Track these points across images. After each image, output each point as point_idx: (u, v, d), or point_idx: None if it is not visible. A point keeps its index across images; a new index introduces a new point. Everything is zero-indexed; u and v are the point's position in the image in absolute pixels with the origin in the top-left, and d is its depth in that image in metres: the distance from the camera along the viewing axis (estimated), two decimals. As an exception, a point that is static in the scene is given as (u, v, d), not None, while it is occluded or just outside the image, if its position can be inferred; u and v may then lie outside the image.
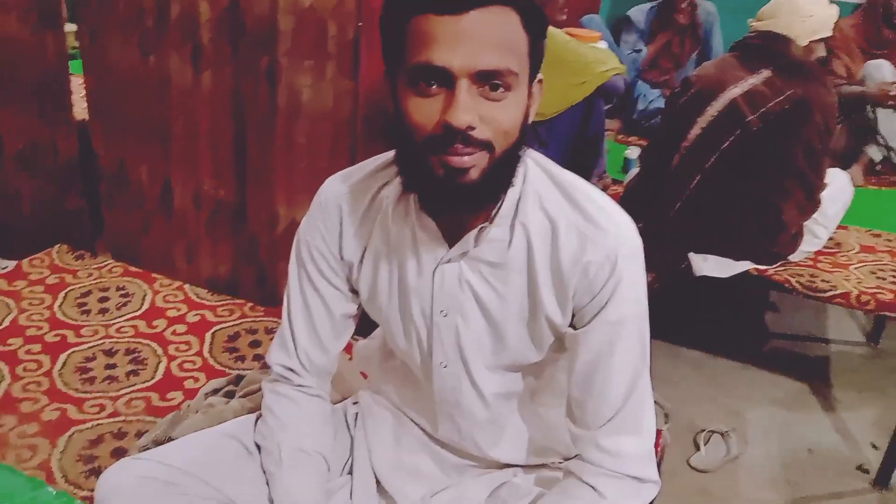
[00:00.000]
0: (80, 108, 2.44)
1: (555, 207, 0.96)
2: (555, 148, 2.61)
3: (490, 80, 0.82)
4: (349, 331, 1.15)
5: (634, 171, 2.86)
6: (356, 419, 1.22)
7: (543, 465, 1.16)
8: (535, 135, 2.58)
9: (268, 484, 1.07)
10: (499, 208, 0.94)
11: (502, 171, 0.88)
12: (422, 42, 0.82)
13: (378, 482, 1.16)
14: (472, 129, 0.82)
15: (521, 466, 1.16)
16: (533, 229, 0.96)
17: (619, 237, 0.95)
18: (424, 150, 0.84)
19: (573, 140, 2.67)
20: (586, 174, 2.78)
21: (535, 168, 0.99)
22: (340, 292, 1.10)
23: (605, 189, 2.88)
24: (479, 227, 0.95)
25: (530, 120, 0.91)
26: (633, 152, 3.24)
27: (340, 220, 1.06)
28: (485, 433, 1.11)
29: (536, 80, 0.91)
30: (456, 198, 0.87)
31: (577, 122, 2.64)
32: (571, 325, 0.99)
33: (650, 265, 2.18)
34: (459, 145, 0.82)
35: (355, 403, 1.26)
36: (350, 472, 1.18)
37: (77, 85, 2.51)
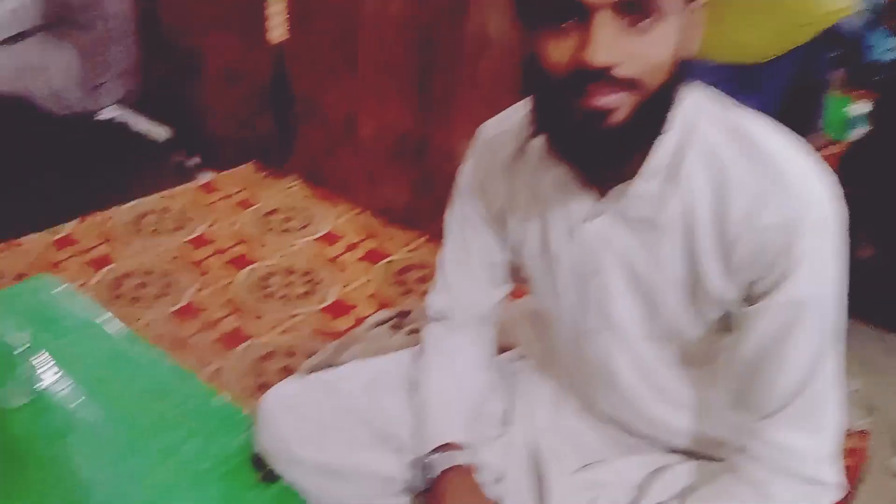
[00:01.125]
0: (276, 32, 2.51)
1: (727, 160, 0.80)
2: (768, 95, 2.34)
3: (633, 10, 0.70)
4: (507, 281, 1.09)
5: (858, 130, 2.54)
6: (517, 374, 1.16)
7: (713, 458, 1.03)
8: (747, 80, 2.34)
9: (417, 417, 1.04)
10: (650, 159, 0.81)
11: (653, 113, 0.76)
12: None
13: (532, 441, 1.09)
14: (612, 67, 0.71)
15: (692, 454, 1.03)
16: (696, 185, 0.81)
17: (809, 200, 0.77)
18: (560, 93, 0.75)
19: (790, 89, 2.40)
20: (804, 129, 2.49)
21: (708, 110, 0.83)
22: (496, 238, 1.04)
23: (819, 149, 2.57)
24: (628, 181, 0.83)
25: (693, 52, 0.77)
26: (858, 108, 2.88)
27: (492, 168, 0.99)
28: (646, 407, 0.99)
29: (697, 3, 0.76)
30: (599, 145, 0.76)
31: (797, 68, 2.36)
32: (742, 301, 0.84)
33: (871, 238, 1.94)
34: (598, 85, 0.72)
35: (522, 358, 1.19)
36: (506, 424, 1.12)
37: (274, 9, 2.59)
